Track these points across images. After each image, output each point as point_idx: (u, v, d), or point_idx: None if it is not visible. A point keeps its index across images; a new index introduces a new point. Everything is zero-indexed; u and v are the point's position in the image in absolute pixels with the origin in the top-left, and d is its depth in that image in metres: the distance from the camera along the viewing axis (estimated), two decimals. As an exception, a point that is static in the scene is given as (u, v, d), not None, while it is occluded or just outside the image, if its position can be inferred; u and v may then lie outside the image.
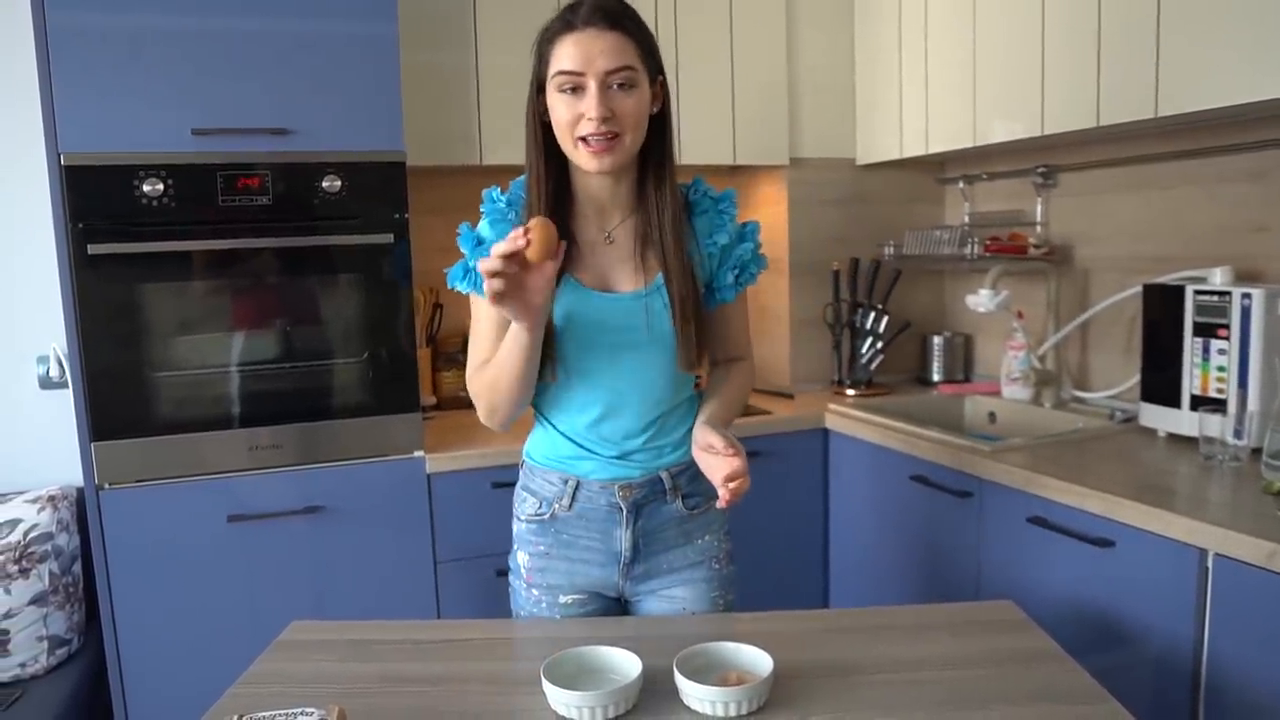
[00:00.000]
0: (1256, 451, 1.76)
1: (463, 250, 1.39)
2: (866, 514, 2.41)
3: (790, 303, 2.85)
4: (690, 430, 1.42)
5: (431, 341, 2.64)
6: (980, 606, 1.57)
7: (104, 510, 1.93)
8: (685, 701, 1.12)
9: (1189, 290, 1.95)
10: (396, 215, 2.07)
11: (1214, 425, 1.83)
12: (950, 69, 2.46)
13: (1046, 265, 2.49)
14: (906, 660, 1.24)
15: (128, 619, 1.95)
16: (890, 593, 2.32)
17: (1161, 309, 2.01)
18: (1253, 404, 1.84)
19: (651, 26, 1.36)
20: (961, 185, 2.81)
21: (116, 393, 1.91)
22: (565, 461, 1.43)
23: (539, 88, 1.32)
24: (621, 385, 1.39)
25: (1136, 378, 2.13)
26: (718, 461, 1.30)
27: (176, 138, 1.89)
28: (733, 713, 1.09)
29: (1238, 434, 1.82)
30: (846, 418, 2.45)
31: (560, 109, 1.28)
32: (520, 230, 1.16)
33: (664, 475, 1.43)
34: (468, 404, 1.44)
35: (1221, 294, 1.88)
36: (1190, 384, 1.95)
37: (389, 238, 2.06)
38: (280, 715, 1.01)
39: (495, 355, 1.33)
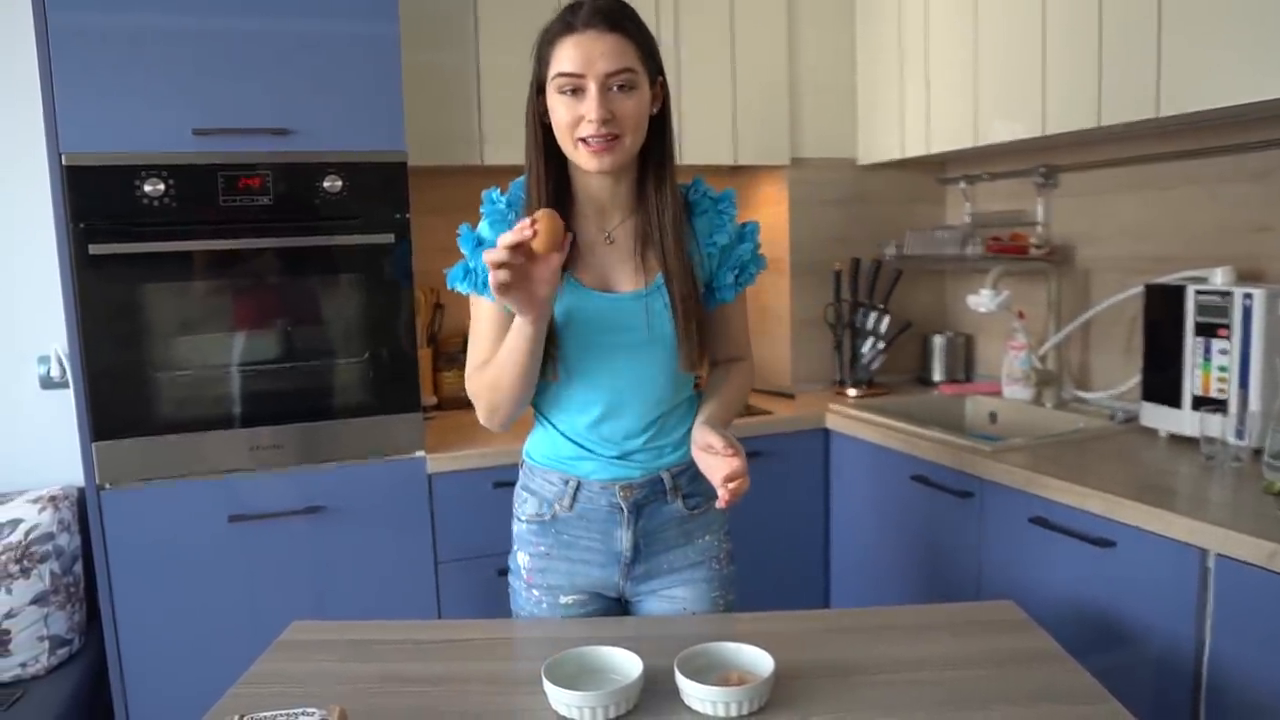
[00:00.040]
0: (1257, 452, 1.76)
1: (463, 251, 1.38)
2: (867, 514, 2.41)
3: (791, 303, 2.85)
4: (690, 430, 1.41)
5: (432, 341, 2.64)
6: (981, 607, 1.57)
7: (105, 510, 1.93)
8: (686, 702, 1.12)
9: (1190, 290, 1.95)
10: (397, 215, 2.07)
11: (1215, 425, 1.83)
12: (951, 69, 2.46)
13: (1047, 265, 2.49)
14: (907, 660, 1.24)
15: (129, 619, 1.95)
16: (891, 593, 2.32)
17: (1163, 309, 2.01)
18: (1254, 404, 1.83)
19: (652, 27, 1.36)
20: (963, 185, 2.81)
21: (117, 392, 1.91)
22: (566, 462, 1.43)
23: (539, 88, 1.32)
24: (622, 385, 1.39)
25: (1137, 378, 2.13)
26: (717, 462, 1.30)
27: (177, 138, 1.90)
28: (734, 713, 1.09)
29: (1239, 434, 1.83)
30: (847, 418, 2.45)
31: (560, 110, 1.28)
32: (527, 221, 1.16)
33: (664, 475, 1.43)
34: (468, 404, 1.44)
35: (1223, 294, 1.88)
36: (1191, 384, 1.95)
37: (390, 238, 2.06)
38: (281, 715, 1.01)
39: (496, 355, 1.33)
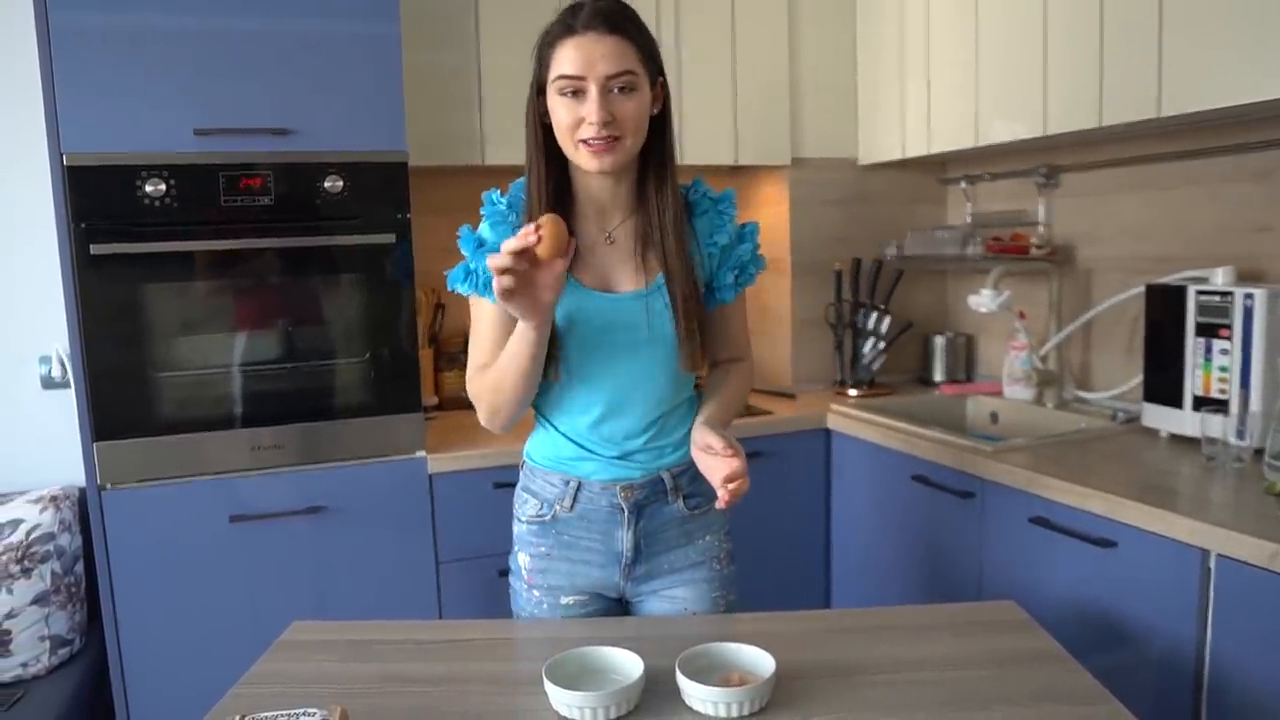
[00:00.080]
0: (1259, 452, 1.76)
1: (463, 252, 1.38)
2: (868, 514, 2.41)
3: (792, 303, 2.85)
4: (691, 431, 1.41)
5: (433, 342, 2.64)
6: (982, 607, 1.57)
7: (106, 510, 1.93)
8: (687, 702, 1.12)
9: (1191, 290, 1.95)
10: (398, 215, 2.07)
11: (1216, 426, 1.82)
12: (952, 69, 2.46)
13: (1048, 265, 2.49)
14: (908, 661, 1.24)
15: (130, 619, 1.95)
16: (892, 593, 2.32)
17: (1164, 309, 2.01)
18: (1255, 404, 1.83)
19: (653, 27, 1.36)
20: (964, 185, 2.81)
21: (118, 393, 1.92)
22: (566, 463, 1.43)
23: (539, 89, 1.32)
24: (622, 385, 1.39)
25: (1139, 378, 2.12)
26: (716, 462, 1.30)
27: (178, 138, 1.90)
28: (735, 713, 1.09)
29: (1240, 434, 1.82)
30: (848, 418, 2.44)
31: (561, 112, 1.28)
32: (531, 227, 1.15)
33: (665, 476, 1.43)
34: (469, 404, 1.44)
35: (1224, 294, 1.88)
36: (1192, 384, 1.94)
37: (391, 238, 2.06)
38: (282, 715, 1.00)
39: (499, 358, 1.33)
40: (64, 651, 2.09)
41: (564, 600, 1.45)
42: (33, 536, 2.08)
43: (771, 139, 2.74)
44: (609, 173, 1.32)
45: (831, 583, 2.58)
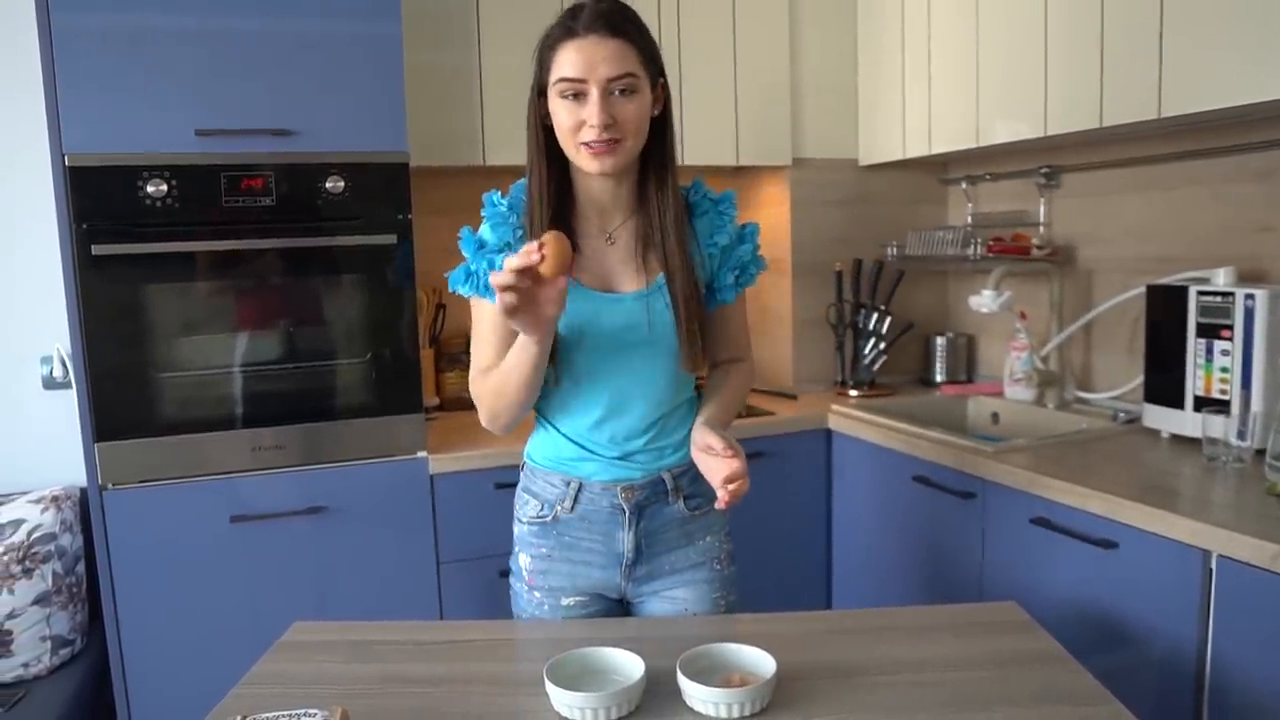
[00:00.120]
0: (1260, 453, 1.76)
1: (464, 254, 1.38)
2: (869, 515, 2.41)
3: (793, 303, 2.85)
4: (691, 431, 1.41)
5: (434, 342, 2.64)
6: (983, 608, 1.57)
7: (107, 511, 1.93)
8: (688, 703, 1.12)
9: (1192, 291, 1.94)
10: (400, 216, 2.07)
11: (1217, 426, 1.82)
12: (953, 69, 2.46)
13: (1049, 266, 2.49)
14: (909, 661, 1.24)
15: (131, 619, 1.95)
16: (893, 594, 2.32)
17: (1165, 310, 2.01)
18: (1256, 405, 1.83)
19: (654, 27, 1.37)
20: (964, 186, 2.81)
21: (120, 393, 1.92)
22: (567, 463, 1.43)
23: (540, 91, 1.33)
24: (623, 386, 1.39)
25: (1140, 379, 2.12)
26: (716, 463, 1.30)
27: (180, 138, 1.90)
28: (736, 714, 1.09)
29: (1241, 435, 1.82)
30: (849, 418, 2.44)
31: (562, 115, 1.28)
32: (534, 245, 1.14)
33: (666, 476, 1.43)
34: (470, 405, 1.44)
35: (1225, 295, 1.88)
36: (1193, 385, 1.94)
37: (392, 238, 2.06)
38: (283, 716, 1.01)
39: (501, 363, 1.33)
40: (65, 652, 2.10)
41: (565, 601, 1.45)
42: (34, 537, 2.08)
43: (772, 139, 2.74)
44: (610, 174, 1.32)
45: (832, 583, 2.58)
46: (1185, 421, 1.97)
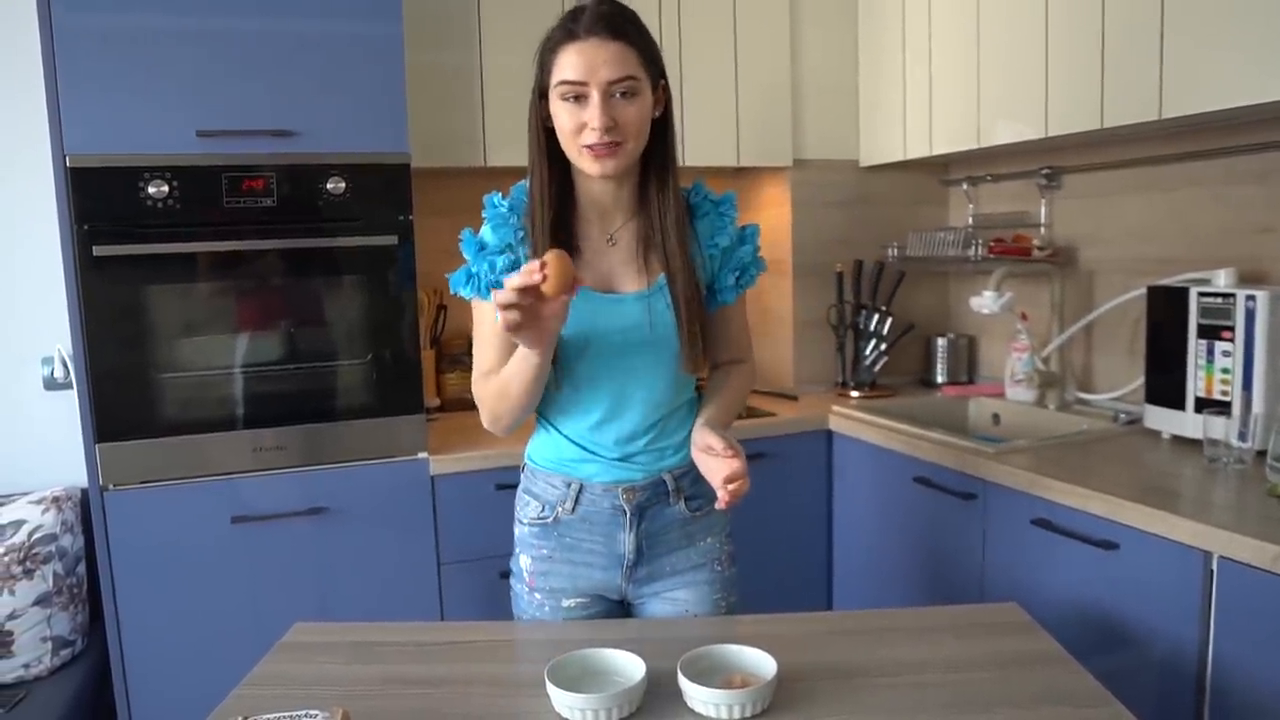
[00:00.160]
0: (1261, 454, 1.76)
1: (465, 256, 1.39)
2: (870, 516, 2.41)
3: (794, 304, 2.85)
4: (691, 432, 1.41)
5: (435, 343, 2.64)
6: (984, 609, 1.57)
7: (108, 511, 1.93)
8: (689, 704, 1.11)
9: (1193, 292, 1.94)
10: (401, 217, 2.07)
11: (1218, 427, 1.82)
12: (954, 70, 2.46)
13: (1050, 267, 2.49)
14: (910, 663, 1.24)
15: (132, 620, 1.95)
16: (894, 595, 2.32)
17: (1166, 311, 2.01)
18: (1257, 406, 1.83)
19: (654, 28, 1.36)
20: (965, 187, 2.81)
21: (121, 394, 1.92)
22: (568, 464, 1.43)
23: (541, 94, 1.33)
24: (624, 386, 1.39)
25: (1141, 380, 2.12)
26: (717, 463, 1.30)
27: (181, 139, 1.90)
28: (736, 715, 1.09)
29: (1242, 436, 1.82)
30: (850, 419, 2.44)
31: (563, 117, 1.28)
32: (536, 264, 1.14)
33: (666, 477, 1.43)
34: (471, 406, 1.44)
35: (1226, 296, 1.88)
36: (1194, 386, 1.94)
37: (393, 239, 2.06)
38: (284, 717, 1.01)
39: (503, 369, 1.33)
40: (66, 652, 2.10)
41: (565, 602, 1.45)
42: (35, 537, 2.08)
43: (773, 140, 2.74)
44: (611, 177, 1.32)
45: (833, 584, 2.58)
46: (1186, 423, 1.97)
